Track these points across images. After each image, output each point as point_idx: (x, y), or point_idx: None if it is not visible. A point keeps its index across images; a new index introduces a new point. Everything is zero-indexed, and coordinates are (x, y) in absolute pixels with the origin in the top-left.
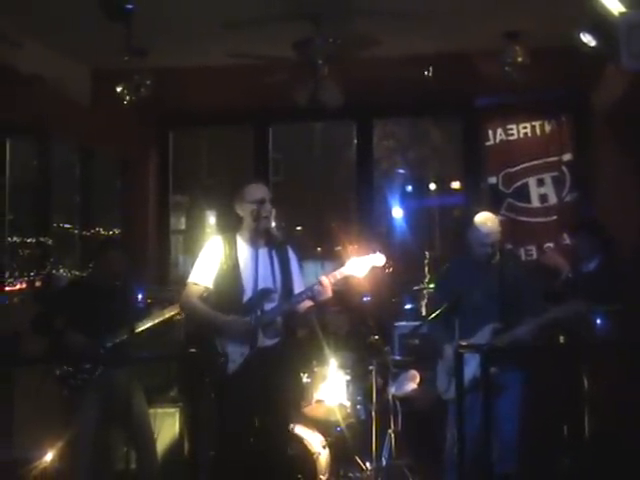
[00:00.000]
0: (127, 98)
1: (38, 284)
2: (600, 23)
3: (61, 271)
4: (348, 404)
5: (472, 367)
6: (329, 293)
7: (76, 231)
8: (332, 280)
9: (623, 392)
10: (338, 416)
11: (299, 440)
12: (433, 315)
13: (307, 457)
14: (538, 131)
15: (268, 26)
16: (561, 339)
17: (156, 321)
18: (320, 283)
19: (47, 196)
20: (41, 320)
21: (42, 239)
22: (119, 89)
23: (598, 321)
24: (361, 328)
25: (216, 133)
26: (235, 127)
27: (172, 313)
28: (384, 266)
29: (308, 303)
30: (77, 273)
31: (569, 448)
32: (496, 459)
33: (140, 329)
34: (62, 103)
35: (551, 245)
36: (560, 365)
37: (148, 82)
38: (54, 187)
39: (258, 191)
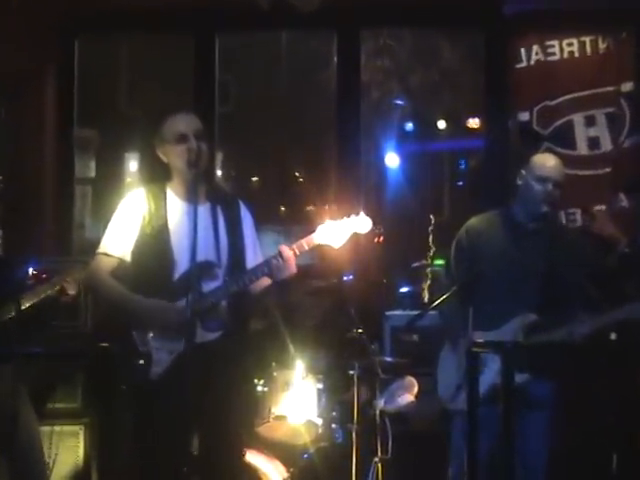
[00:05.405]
0: None
1: None
2: None
3: None
4: (320, 422)
5: (492, 371)
6: (292, 269)
7: None
8: (297, 251)
9: None
10: (306, 438)
11: (251, 470)
12: (441, 298)
13: None
14: (589, 50)
15: None
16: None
17: (40, 297)
18: (280, 255)
19: None
20: None
21: None
22: None
23: None
24: (339, 318)
25: (141, 43)
26: (168, 35)
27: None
28: (372, 234)
29: (265, 282)
30: None
31: None
32: None
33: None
34: None
35: (602, 208)
36: (611, 372)
37: None
38: None
39: (179, 124)
